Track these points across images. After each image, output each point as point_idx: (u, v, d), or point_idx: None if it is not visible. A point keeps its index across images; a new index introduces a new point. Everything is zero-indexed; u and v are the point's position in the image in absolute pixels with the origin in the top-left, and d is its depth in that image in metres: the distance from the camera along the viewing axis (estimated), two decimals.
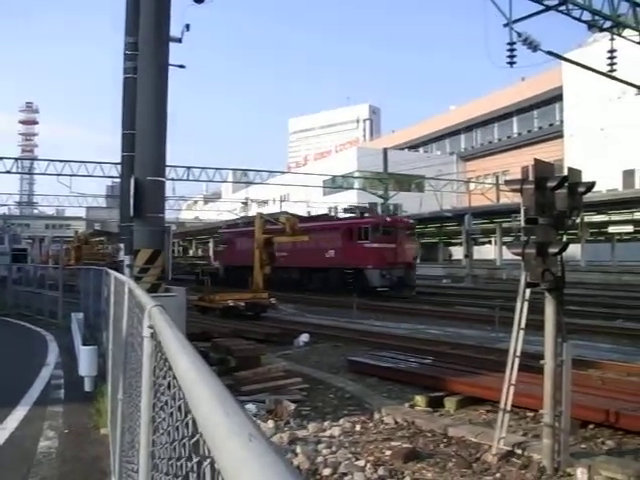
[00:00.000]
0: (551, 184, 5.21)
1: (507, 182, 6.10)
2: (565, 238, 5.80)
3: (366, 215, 31.82)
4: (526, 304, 5.80)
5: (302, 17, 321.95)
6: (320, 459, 6.27)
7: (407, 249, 29.19)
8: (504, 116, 71.52)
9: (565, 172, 6.18)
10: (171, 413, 1.54)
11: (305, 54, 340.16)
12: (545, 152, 56.15)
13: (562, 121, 59.13)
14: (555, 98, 60.19)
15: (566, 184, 5.31)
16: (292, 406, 8.12)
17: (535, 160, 5.39)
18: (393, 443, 6.86)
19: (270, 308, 19.93)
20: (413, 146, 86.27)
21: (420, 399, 8.52)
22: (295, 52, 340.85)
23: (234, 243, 37.68)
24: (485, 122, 74.88)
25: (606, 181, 39.43)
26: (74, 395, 8.73)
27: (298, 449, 6.47)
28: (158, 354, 1.95)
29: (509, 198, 38.17)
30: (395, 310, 21.66)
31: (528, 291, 5.70)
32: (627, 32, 16.84)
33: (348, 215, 34.09)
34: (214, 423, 0.98)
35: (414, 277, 29.20)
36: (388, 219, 30.56)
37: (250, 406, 8.09)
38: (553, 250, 5.22)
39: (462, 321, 18.24)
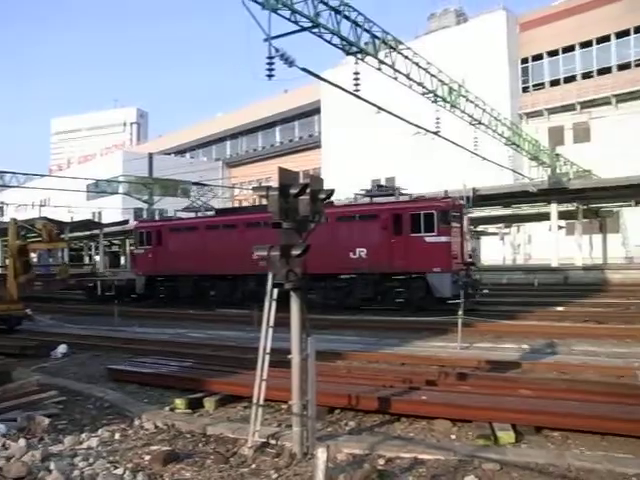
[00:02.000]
0: (294, 191, 5.70)
1: (254, 189, 6.48)
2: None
3: (416, 196, 22.24)
4: (274, 303, 6.21)
5: (69, 17, 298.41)
6: (76, 473, 6.03)
7: (468, 243, 22.22)
8: (268, 125, 74.53)
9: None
10: None
11: (70, 53, 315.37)
12: (305, 160, 59.96)
13: (320, 132, 63.53)
14: (314, 111, 64.43)
15: (308, 191, 5.84)
16: (46, 421, 7.64)
17: (279, 168, 5.83)
18: (152, 447, 6.84)
19: (26, 320, 18.40)
20: (180, 151, 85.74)
21: (180, 402, 8.59)
22: (58, 50, 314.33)
23: (165, 244, 26.83)
24: (250, 130, 77.26)
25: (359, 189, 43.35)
26: None
27: (52, 465, 6.13)
28: None
29: None
30: (158, 315, 21.55)
31: (275, 291, 6.12)
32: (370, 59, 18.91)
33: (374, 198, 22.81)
34: None
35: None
36: (455, 202, 21.39)
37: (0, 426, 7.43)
38: (296, 252, 5.70)
39: (223, 323, 18.77)
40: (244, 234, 23.71)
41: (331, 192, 6.20)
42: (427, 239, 19.79)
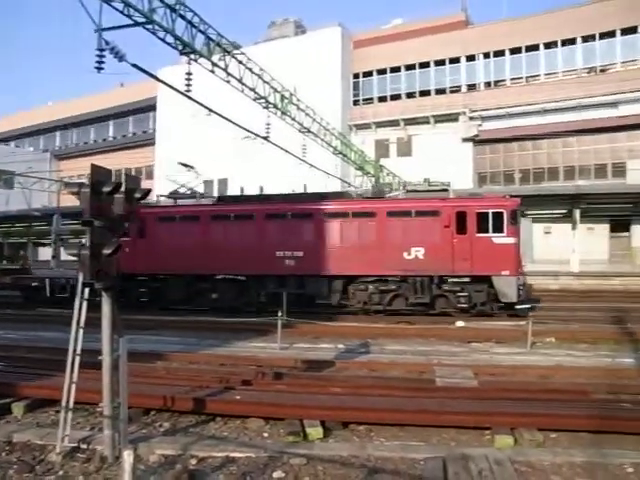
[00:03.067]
0: (107, 189, 5.62)
1: (66, 185, 6.31)
2: None
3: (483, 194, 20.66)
4: (85, 303, 6.06)
5: None
6: None
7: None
8: (101, 118, 70.83)
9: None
10: None
11: None
12: (139, 157, 57.88)
13: (155, 129, 61.75)
14: (150, 107, 62.35)
15: (123, 189, 5.80)
16: None
17: (92, 165, 5.71)
18: None
19: None
20: (4, 139, 78.47)
21: None
22: None
23: (151, 235, 21.62)
24: (82, 122, 72.86)
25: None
26: None
27: None
28: None
29: None
30: None
31: (86, 290, 5.97)
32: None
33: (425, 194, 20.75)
34: None
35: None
36: (519, 202, 19.60)
37: None
38: (107, 251, 5.63)
39: (44, 324, 17.66)
40: (264, 227, 20.69)
41: (147, 192, 6.20)
42: (495, 240, 18.47)
